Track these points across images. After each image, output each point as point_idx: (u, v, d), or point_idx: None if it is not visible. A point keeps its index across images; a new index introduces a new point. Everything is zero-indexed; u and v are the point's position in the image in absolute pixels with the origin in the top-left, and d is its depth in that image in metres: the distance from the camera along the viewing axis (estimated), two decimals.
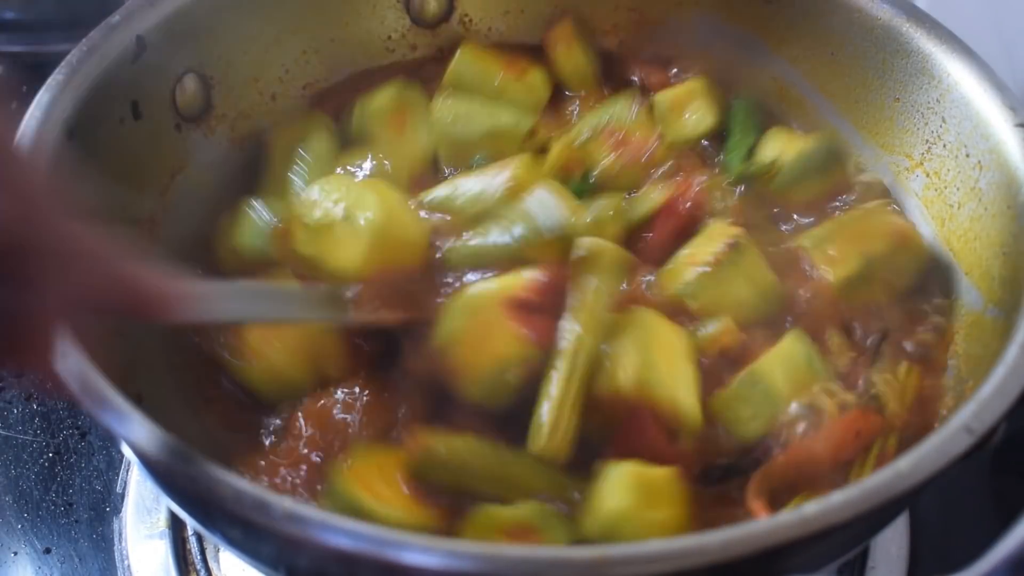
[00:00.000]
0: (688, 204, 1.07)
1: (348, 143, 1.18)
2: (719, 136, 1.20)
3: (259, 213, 1.09)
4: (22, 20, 1.56)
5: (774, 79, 1.24)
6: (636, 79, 1.25)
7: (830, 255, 1.04)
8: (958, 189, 1.08)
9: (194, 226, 1.12)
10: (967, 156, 1.06)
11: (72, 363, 0.80)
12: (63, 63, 1.01)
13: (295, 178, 1.14)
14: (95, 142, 1.02)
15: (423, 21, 1.29)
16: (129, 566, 1.11)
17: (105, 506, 1.16)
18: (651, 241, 1.07)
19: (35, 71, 1.03)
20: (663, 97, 1.20)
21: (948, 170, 1.09)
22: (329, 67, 1.25)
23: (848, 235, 1.06)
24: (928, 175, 1.12)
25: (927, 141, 1.12)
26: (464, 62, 1.22)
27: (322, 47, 1.24)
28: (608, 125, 1.16)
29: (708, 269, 1.00)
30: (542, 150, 1.16)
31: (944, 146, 1.10)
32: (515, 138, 1.16)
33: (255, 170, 1.19)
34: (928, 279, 1.07)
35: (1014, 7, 1.39)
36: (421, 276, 1.01)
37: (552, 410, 0.92)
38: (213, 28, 1.14)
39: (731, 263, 1.00)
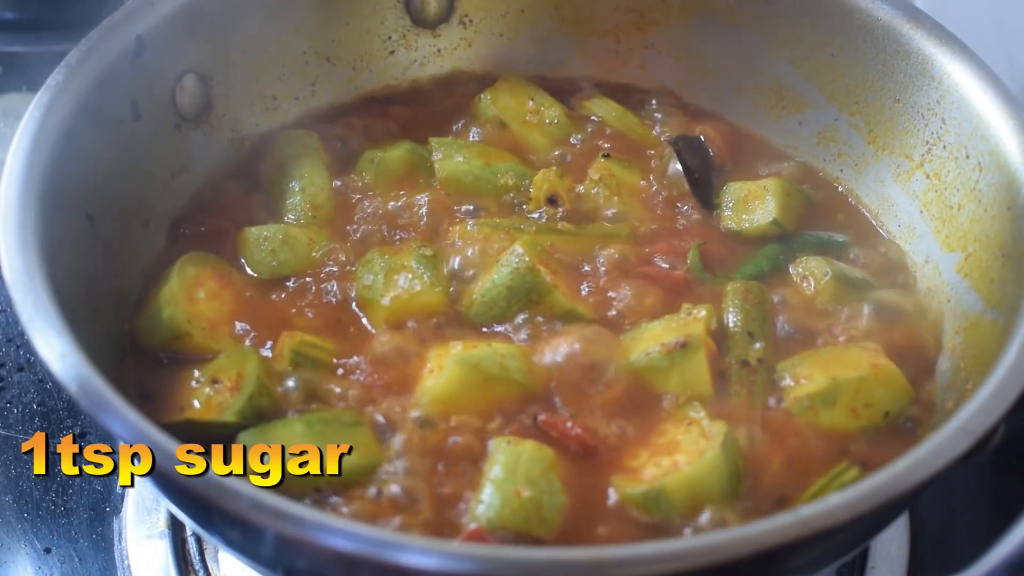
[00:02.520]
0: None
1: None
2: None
3: (260, 234, 1.09)
4: (22, 20, 1.56)
5: (774, 80, 1.24)
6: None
7: (797, 374, 1.00)
8: (958, 191, 1.08)
9: (194, 225, 1.13)
10: (967, 157, 1.06)
11: (71, 364, 0.80)
12: (63, 63, 1.01)
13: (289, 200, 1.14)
14: (95, 142, 1.02)
15: (423, 21, 1.29)
16: (129, 566, 1.11)
17: (105, 506, 1.16)
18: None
19: (35, 71, 1.03)
20: (737, 186, 1.18)
21: (948, 171, 1.09)
22: (329, 67, 1.25)
23: (823, 361, 1.01)
24: (928, 176, 1.12)
25: (927, 142, 1.12)
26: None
27: (322, 47, 1.24)
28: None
29: (657, 350, 0.99)
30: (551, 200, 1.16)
31: (944, 147, 1.10)
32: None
33: (255, 170, 1.19)
34: (901, 418, 1.00)
35: (1014, 7, 1.39)
36: None
37: None
38: (213, 28, 1.14)
39: (674, 357, 0.99)
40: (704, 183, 1.20)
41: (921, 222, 1.12)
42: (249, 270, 1.08)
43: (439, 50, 1.30)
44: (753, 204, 1.16)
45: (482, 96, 1.25)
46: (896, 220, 1.16)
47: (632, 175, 1.18)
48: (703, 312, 1.02)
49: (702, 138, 1.23)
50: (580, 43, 1.30)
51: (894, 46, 1.13)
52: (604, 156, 1.19)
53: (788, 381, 1.00)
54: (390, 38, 1.28)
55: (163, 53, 1.09)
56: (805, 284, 1.10)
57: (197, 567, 1.10)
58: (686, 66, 1.28)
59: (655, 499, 0.90)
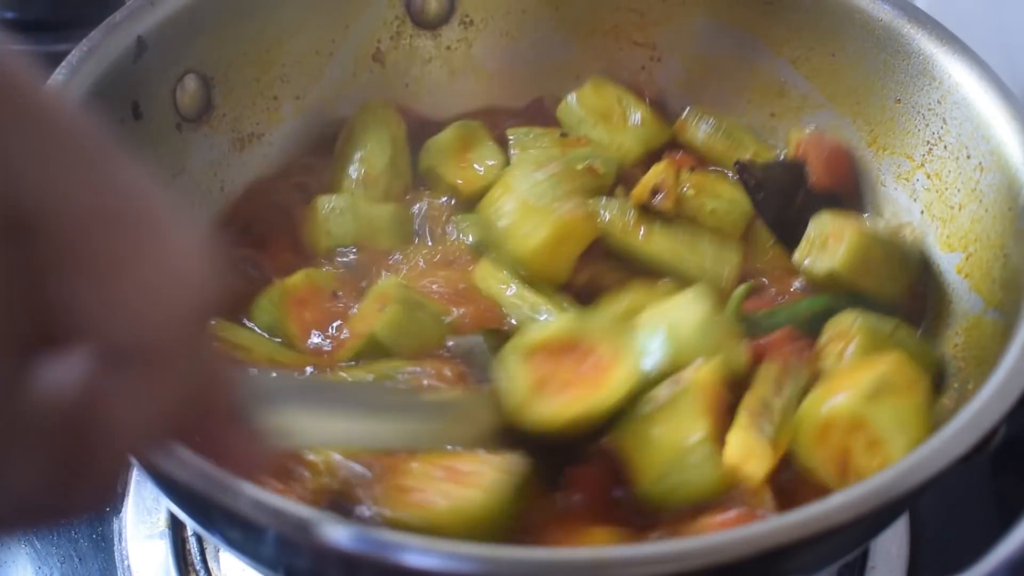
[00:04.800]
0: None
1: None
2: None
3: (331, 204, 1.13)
4: (21, 20, 1.56)
5: (775, 80, 1.24)
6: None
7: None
8: (959, 191, 1.08)
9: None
10: (968, 158, 1.06)
11: None
12: (63, 63, 1.01)
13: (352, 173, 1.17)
14: None
15: (424, 22, 1.29)
16: (129, 566, 1.11)
17: (105, 506, 1.16)
18: None
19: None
20: (827, 219, 1.08)
21: (949, 172, 1.09)
22: (330, 67, 1.25)
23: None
24: (929, 177, 1.12)
25: (928, 142, 1.12)
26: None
27: (323, 47, 1.24)
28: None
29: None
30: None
31: (945, 148, 1.10)
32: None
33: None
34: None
35: (1014, 7, 1.39)
36: None
37: None
38: (213, 28, 1.15)
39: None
40: (781, 213, 1.13)
41: (921, 223, 1.12)
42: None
43: (439, 51, 1.30)
44: (828, 245, 1.06)
45: (568, 97, 1.24)
46: (896, 220, 1.16)
47: (724, 187, 1.15)
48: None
49: (804, 164, 1.16)
50: (581, 44, 1.30)
51: (895, 46, 1.13)
52: (691, 170, 1.15)
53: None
54: (390, 38, 1.28)
55: (163, 53, 1.10)
56: (831, 352, 1.00)
57: (197, 567, 1.10)
58: (687, 66, 1.28)
59: None
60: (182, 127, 1.14)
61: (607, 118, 1.22)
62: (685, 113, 1.24)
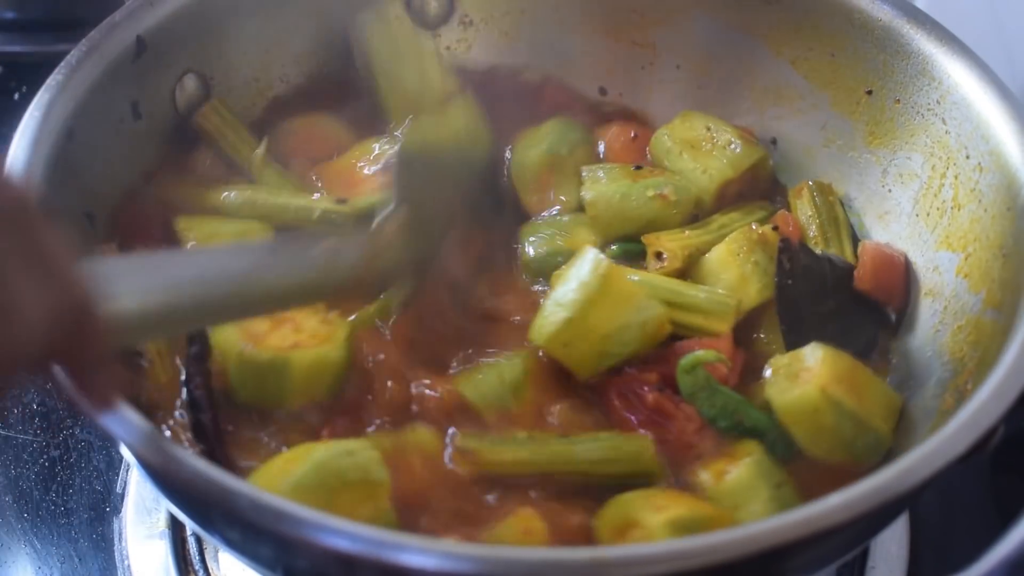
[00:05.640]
0: None
1: None
2: None
3: None
4: (21, 20, 1.56)
5: (774, 80, 1.24)
6: None
7: None
8: (959, 191, 1.08)
9: None
10: (967, 158, 1.06)
11: None
12: (63, 63, 1.01)
13: None
14: (95, 142, 1.02)
15: (424, 22, 1.29)
16: (129, 566, 1.11)
17: (105, 506, 1.16)
18: None
19: (35, 71, 1.03)
20: (821, 354, 0.97)
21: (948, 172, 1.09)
22: (329, 67, 1.25)
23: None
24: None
25: (928, 143, 1.12)
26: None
27: (321, 48, 1.24)
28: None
29: None
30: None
31: (944, 148, 1.10)
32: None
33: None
34: None
35: (1014, 7, 1.39)
36: None
37: None
38: (213, 28, 1.15)
39: None
40: (802, 310, 1.06)
41: (921, 222, 1.12)
42: None
43: (439, 51, 1.30)
44: (797, 377, 0.98)
45: (661, 131, 1.21)
46: (897, 220, 1.16)
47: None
48: None
49: (853, 268, 1.10)
50: (581, 44, 1.30)
51: (894, 46, 1.13)
52: (775, 228, 1.10)
53: None
54: None
55: (163, 53, 1.10)
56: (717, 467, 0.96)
57: (197, 567, 1.10)
58: (687, 67, 1.28)
59: None
60: (182, 127, 1.14)
61: (695, 146, 1.19)
62: (806, 184, 1.17)
